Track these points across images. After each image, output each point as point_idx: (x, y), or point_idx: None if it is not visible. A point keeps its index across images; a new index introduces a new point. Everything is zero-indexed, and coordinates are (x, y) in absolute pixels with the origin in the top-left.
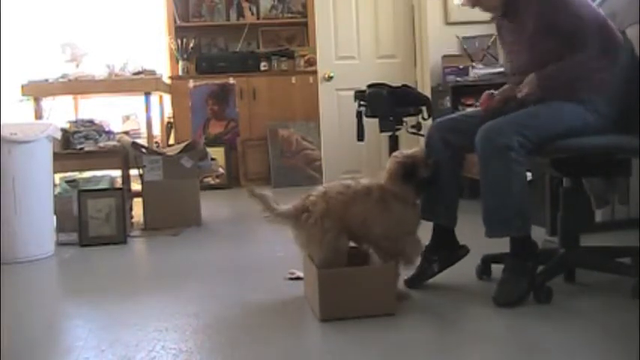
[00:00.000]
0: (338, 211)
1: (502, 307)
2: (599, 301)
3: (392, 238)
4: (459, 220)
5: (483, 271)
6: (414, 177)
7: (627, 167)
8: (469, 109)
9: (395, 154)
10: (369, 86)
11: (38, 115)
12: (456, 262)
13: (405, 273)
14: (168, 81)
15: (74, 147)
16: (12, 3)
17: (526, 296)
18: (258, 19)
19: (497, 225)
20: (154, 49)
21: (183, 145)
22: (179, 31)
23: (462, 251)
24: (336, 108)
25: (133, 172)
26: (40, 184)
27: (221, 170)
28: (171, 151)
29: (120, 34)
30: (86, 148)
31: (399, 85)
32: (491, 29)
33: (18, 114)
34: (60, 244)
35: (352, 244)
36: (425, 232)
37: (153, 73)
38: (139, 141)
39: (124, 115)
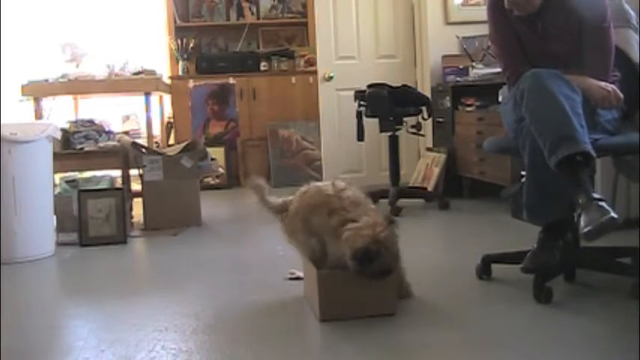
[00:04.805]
0: (306, 212)
1: (531, 273)
2: (599, 301)
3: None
4: (459, 220)
5: (483, 271)
6: (368, 266)
7: None
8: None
9: (369, 229)
10: (369, 86)
11: (38, 115)
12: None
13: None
14: (168, 81)
15: (74, 147)
16: (12, 3)
17: (555, 268)
18: (258, 19)
19: (538, 215)
20: (154, 49)
21: (183, 145)
22: (179, 31)
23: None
24: (336, 108)
25: (133, 172)
26: (40, 184)
27: (221, 170)
28: (171, 151)
29: (120, 34)
30: (86, 148)
31: (399, 85)
32: None
33: (18, 114)
34: (60, 244)
35: None
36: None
37: (153, 73)
38: (139, 141)
39: (124, 115)
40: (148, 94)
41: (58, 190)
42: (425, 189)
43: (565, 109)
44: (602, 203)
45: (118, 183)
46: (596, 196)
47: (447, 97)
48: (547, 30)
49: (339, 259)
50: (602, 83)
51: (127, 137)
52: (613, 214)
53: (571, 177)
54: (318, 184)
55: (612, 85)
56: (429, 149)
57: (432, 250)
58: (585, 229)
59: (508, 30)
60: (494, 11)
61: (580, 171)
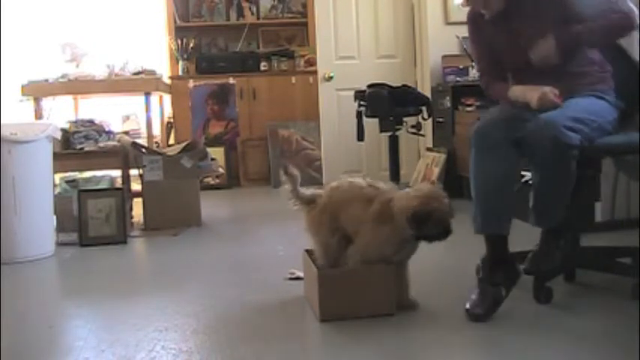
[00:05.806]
0: (336, 208)
1: (533, 275)
2: (599, 301)
3: (368, 255)
4: (459, 220)
5: None
6: (420, 229)
7: None
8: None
9: (423, 190)
10: (369, 86)
11: (38, 115)
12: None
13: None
14: (168, 81)
15: (74, 147)
16: (12, 3)
17: (557, 269)
18: (258, 19)
19: (547, 219)
20: (154, 49)
21: (183, 145)
22: (179, 31)
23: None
24: (336, 108)
25: (133, 172)
26: (40, 184)
27: (221, 170)
28: (171, 151)
29: (120, 34)
30: (86, 148)
31: (399, 85)
32: None
33: (18, 114)
34: (60, 244)
35: None
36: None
37: (153, 73)
38: (139, 141)
39: (124, 115)
40: (147, 94)
41: (58, 190)
42: None
43: (489, 190)
44: (493, 291)
45: (118, 183)
46: (496, 280)
47: (447, 97)
48: (518, 25)
49: (377, 245)
50: (537, 87)
51: (127, 137)
52: (480, 311)
53: (488, 248)
54: (350, 179)
55: (548, 87)
56: (429, 149)
57: (432, 250)
58: (468, 307)
59: (482, 41)
60: (470, 23)
61: (497, 248)
